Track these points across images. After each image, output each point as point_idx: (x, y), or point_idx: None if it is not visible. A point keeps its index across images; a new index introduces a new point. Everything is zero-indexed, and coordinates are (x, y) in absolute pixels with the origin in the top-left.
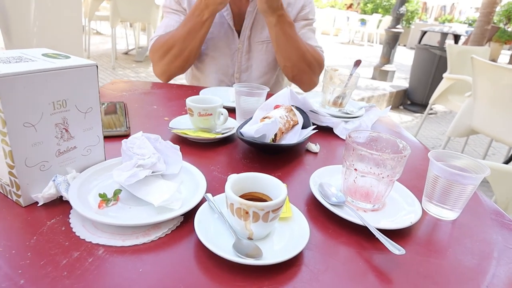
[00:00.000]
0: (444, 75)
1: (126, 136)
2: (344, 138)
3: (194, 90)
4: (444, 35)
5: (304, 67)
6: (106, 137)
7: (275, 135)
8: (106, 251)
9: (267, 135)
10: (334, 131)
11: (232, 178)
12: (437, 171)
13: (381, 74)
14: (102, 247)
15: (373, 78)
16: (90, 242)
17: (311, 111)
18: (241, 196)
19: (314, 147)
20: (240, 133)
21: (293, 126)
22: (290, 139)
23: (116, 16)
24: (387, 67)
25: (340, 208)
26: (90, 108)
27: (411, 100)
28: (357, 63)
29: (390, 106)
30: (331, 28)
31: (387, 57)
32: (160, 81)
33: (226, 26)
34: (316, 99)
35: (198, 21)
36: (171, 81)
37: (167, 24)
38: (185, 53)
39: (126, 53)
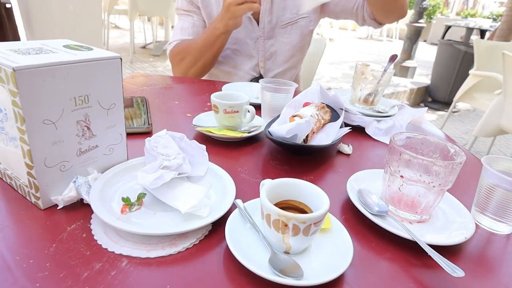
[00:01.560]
0: (471, 71)
1: (148, 133)
2: (377, 139)
3: (216, 85)
4: (470, 30)
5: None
6: (127, 135)
7: (307, 135)
8: (130, 262)
9: (298, 136)
10: (366, 131)
11: (267, 185)
12: (493, 180)
13: (401, 70)
14: (126, 258)
15: (394, 74)
16: (113, 252)
17: (341, 109)
18: (276, 205)
19: (346, 148)
20: (269, 132)
21: (324, 125)
22: (321, 138)
23: (135, 10)
24: (408, 63)
25: (382, 219)
26: (113, 104)
27: (433, 98)
28: (393, 58)
29: (427, 108)
30: (349, 22)
31: (408, 53)
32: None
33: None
34: (346, 96)
35: (212, 34)
36: None
37: (182, 26)
38: (200, 63)
39: (143, 47)
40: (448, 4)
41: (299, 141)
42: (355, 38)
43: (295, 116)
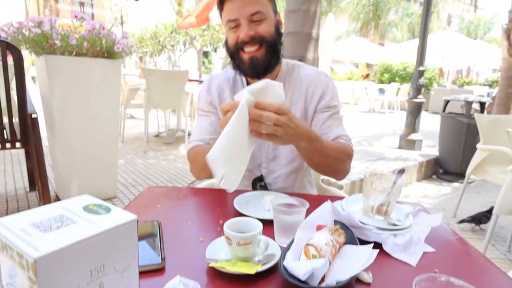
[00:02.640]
0: (478, 146)
1: (161, 270)
2: (396, 257)
3: (228, 196)
4: (469, 103)
5: (334, 166)
6: (140, 273)
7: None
8: None
9: (315, 274)
10: (384, 248)
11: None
12: None
13: (408, 143)
14: None
15: (400, 147)
16: None
17: (354, 226)
18: None
19: (366, 276)
20: (284, 267)
21: (339, 248)
22: (338, 268)
23: (149, 104)
24: (413, 136)
25: None
26: (128, 265)
27: (444, 169)
28: (401, 171)
29: (442, 213)
30: (351, 97)
31: (412, 127)
32: (194, 186)
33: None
34: (358, 205)
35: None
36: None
37: (201, 126)
38: (208, 173)
39: (157, 136)
40: (443, 74)
41: (316, 281)
42: (358, 112)
43: (309, 245)
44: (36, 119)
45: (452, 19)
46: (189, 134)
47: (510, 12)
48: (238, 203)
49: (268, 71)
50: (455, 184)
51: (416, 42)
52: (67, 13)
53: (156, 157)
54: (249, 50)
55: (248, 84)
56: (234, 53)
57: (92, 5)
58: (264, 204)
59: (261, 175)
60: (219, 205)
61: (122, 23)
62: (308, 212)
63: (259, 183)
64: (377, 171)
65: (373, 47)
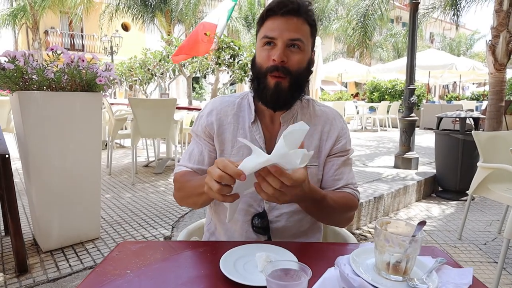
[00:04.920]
0: (479, 164)
1: None
2: None
3: (214, 252)
4: (463, 120)
5: (336, 220)
6: None
7: None
8: None
9: None
10: None
11: None
12: None
13: (404, 162)
14: None
15: (396, 166)
16: None
17: None
18: None
19: None
20: None
21: None
22: None
23: (137, 135)
24: (409, 155)
25: None
26: None
27: (443, 187)
28: (421, 224)
29: (472, 269)
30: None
31: (407, 145)
32: (176, 238)
33: None
34: (371, 260)
35: (198, 190)
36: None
37: (191, 152)
38: (191, 201)
39: (146, 166)
40: (430, 89)
41: None
42: (350, 132)
43: None
44: (7, 159)
45: (435, 37)
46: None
47: (493, 29)
48: (225, 265)
49: (288, 104)
50: (456, 202)
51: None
52: (57, 44)
53: (145, 189)
54: (276, 75)
55: (256, 110)
56: (261, 75)
57: (82, 36)
58: (256, 262)
59: (263, 212)
60: (202, 267)
61: (112, 53)
62: (312, 282)
63: (258, 221)
64: (389, 219)
65: (360, 67)
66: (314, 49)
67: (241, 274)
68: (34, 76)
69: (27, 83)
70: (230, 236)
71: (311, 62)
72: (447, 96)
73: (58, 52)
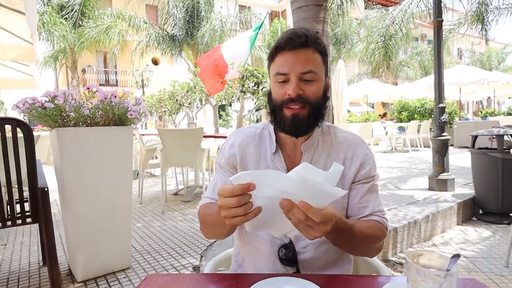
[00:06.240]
0: None
1: None
2: None
3: (240, 286)
4: (500, 137)
5: (363, 250)
6: None
7: None
8: None
9: None
10: None
11: None
12: None
13: (439, 184)
14: None
15: (430, 188)
16: None
17: None
18: None
19: None
20: None
21: None
22: None
23: (166, 164)
24: (444, 176)
25: None
26: None
27: (484, 209)
28: (455, 256)
29: None
30: (371, 138)
31: (441, 166)
32: (204, 268)
33: None
34: None
35: (219, 219)
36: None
37: (215, 184)
38: (215, 235)
39: (175, 194)
40: (463, 106)
41: None
42: (379, 153)
43: None
44: (46, 192)
45: (463, 53)
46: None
47: None
48: None
49: (308, 132)
50: (499, 226)
51: (430, 78)
52: (93, 82)
53: (174, 218)
54: (293, 108)
55: (277, 140)
56: (277, 108)
57: (116, 72)
58: None
59: (289, 243)
60: None
61: (143, 86)
62: None
63: (284, 252)
64: (421, 250)
65: (386, 87)
66: (333, 69)
67: None
68: (71, 113)
69: (65, 120)
70: (257, 268)
71: (327, 89)
72: (481, 112)
73: (94, 90)
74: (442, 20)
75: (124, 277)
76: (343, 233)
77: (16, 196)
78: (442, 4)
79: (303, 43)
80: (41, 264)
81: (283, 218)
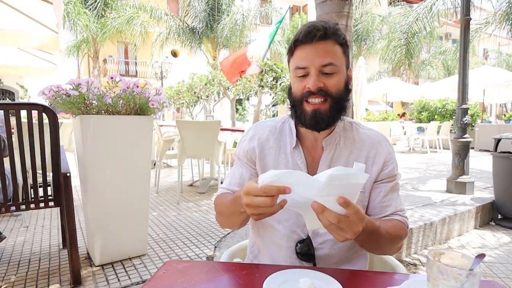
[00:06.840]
0: None
1: None
2: None
3: (257, 275)
4: None
5: (386, 250)
6: None
7: None
8: None
9: None
10: None
11: None
12: None
13: (457, 186)
14: None
15: (449, 191)
16: None
17: None
18: None
19: None
20: None
21: None
22: None
23: (183, 155)
24: (463, 179)
25: None
26: None
27: (503, 214)
28: (480, 256)
29: None
30: (388, 138)
31: (461, 168)
32: (218, 258)
33: None
34: None
35: (237, 209)
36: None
37: (232, 175)
38: (230, 225)
39: (191, 185)
40: (485, 108)
41: None
42: (397, 153)
43: None
44: (68, 177)
45: (489, 53)
46: (221, 183)
47: None
48: (269, 284)
49: (330, 126)
50: None
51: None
52: (114, 72)
53: (189, 208)
54: (314, 102)
55: (297, 134)
56: (297, 102)
57: (136, 63)
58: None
59: (307, 238)
60: None
61: (162, 78)
62: None
63: (302, 247)
64: (443, 249)
65: (407, 86)
66: (353, 67)
67: None
68: (94, 102)
69: (88, 108)
70: (274, 260)
71: (348, 81)
72: (505, 115)
73: (117, 80)
74: (470, 19)
75: (140, 263)
76: (372, 235)
77: (39, 180)
78: (471, 2)
79: (322, 36)
80: (61, 247)
81: (313, 215)
